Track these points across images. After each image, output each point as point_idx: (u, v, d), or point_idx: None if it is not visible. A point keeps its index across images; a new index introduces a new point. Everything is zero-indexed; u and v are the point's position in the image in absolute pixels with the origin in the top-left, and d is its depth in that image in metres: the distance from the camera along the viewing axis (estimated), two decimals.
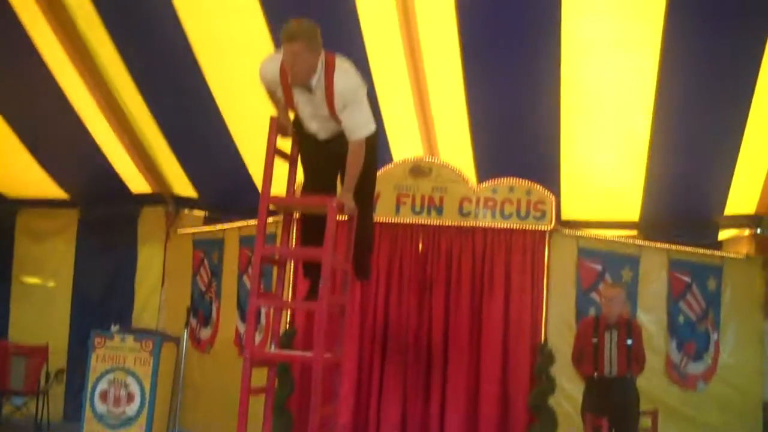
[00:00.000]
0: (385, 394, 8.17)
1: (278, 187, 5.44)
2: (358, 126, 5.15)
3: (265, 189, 5.23)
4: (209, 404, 9.09)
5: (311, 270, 5.57)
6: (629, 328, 7.09)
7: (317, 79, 5.08)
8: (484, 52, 7.57)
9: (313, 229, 5.46)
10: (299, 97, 5.22)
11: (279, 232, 5.71)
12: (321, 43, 5.02)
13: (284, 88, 5.22)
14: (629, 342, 6.99)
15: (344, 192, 5.24)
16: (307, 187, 5.63)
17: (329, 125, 5.31)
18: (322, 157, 5.44)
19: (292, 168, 5.59)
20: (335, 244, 5.13)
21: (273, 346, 5.69)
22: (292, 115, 5.52)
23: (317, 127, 5.36)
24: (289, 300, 8.00)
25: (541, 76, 7.63)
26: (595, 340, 7.02)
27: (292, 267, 8.08)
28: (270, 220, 5.62)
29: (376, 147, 5.49)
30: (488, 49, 7.56)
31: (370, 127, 5.20)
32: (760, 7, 6.69)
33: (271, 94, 5.44)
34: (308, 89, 5.13)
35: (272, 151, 5.27)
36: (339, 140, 5.29)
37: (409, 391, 8.18)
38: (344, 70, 5.13)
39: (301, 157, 5.60)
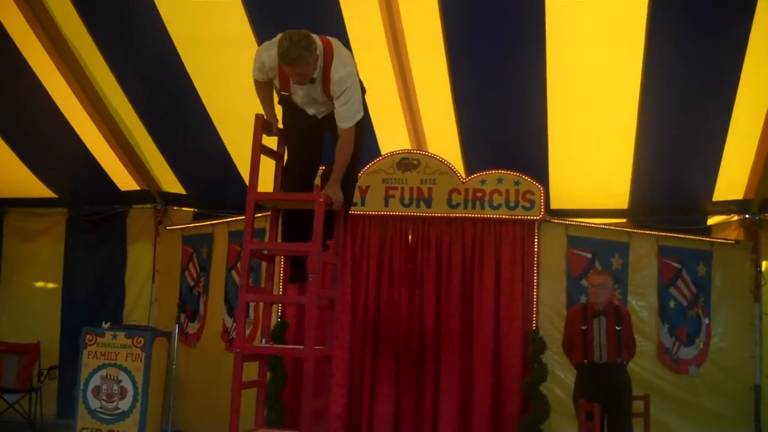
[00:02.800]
0: (377, 384, 8.21)
1: (266, 183, 5.44)
2: (349, 114, 5.18)
3: (252, 185, 5.23)
4: (197, 398, 9.12)
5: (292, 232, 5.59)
6: (618, 314, 7.12)
7: (317, 72, 5.11)
8: (469, 44, 7.58)
9: (295, 219, 5.47)
10: (297, 86, 5.24)
11: (268, 227, 5.69)
12: (317, 45, 5.01)
13: (282, 78, 5.23)
14: (618, 328, 7.01)
15: (332, 182, 5.23)
16: (289, 164, 5.60)
17: (321, 107, 5.36)
18: (308, 129, 5.45)
19: (279, 165, 5.60)
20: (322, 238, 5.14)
21: (263, 340, 5.68)
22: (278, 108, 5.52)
23: (313, 109, 5.40)
24: (279, 294, 8.02)
25: (527, 67, 7.63)
26: (584, 327, 7.04)
27: (281, 262, 8.11)
28: (258, 215, 5.61)
29: (363, 129, 5.50)
30: (474, 41, 7.57)
31: (359, 116, 5.25)
32: None
33: (260, 86, 5.42)
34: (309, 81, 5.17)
35: (258, 149, 5.28)
36: (327, 118, 5.35)
37: (402, 382, 8.21)
38: (341, 59, 5.15)
39: (285, 129, 5.58)
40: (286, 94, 5.34)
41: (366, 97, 5.49)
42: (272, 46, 5.11)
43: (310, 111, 5.41)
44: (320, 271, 5.11)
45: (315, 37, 5.02)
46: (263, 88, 5.46)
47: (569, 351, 7.28)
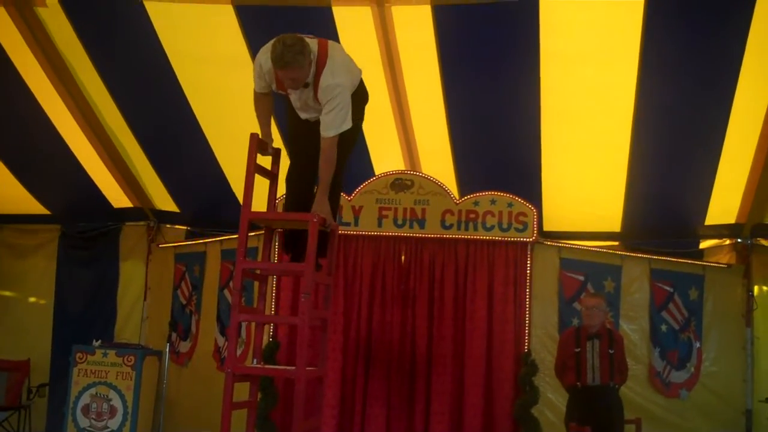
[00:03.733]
0: (369, 405, 8.18)
1: (260, 203, 5.44)
2: (333, 124, 5.12)
3: (246, 205, 5.23)
4: (188, 418, 9.06)
5: (292, 243, 5.56)
6: (611, 337, 7.12)
7: (310, 77, 5.10)
8: (463, 65, 7.60)
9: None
10: (292, 91, 5.24)
11: (261, 246, 5.69)
12: (310, 49, 5.01)
13: (278, 81, 5.22)
14: (611, 351, 7.01)
15: (320, 195, 5.22)
16: (291, 169, 5.59)
17: (314, 112, 5.34)
18: (306, 133, 5.41)
19: (273, 184, 5.60)
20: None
21: (255, 361, 5.67)
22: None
23: (306, 114, 5.39)
24: (272, 314, 8.01)
25: (520, 89, 7.66)
26: (577, 349, 7.04)
27: (274, 281, 8.10)
28: (252, 234, 5.61)
29: (354, 139, 5.47)
30: (468, 62, 7.60)
31: (344, 127, 5.16)
32: (737, 20, 6.74)
33: (259, 100, 5.43)
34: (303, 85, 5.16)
35: (252, 168, 5.27)
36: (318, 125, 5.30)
37: (393, 403, 8.18)
38: (332, 68, 5.11)
39: (288, 132, 5.57)
40: (283, 93, 5.33)
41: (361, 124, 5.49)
42: (268, 49, 5.10)
43: (303, 115, 5.40)
44: (312, 291, 5.11)
45: (309, 41, 5.02)
46: (262, 103, 5.46)
47: (561, 374, 7.27)
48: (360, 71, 5.40)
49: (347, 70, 5.21)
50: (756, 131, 7.64)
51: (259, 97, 5.44)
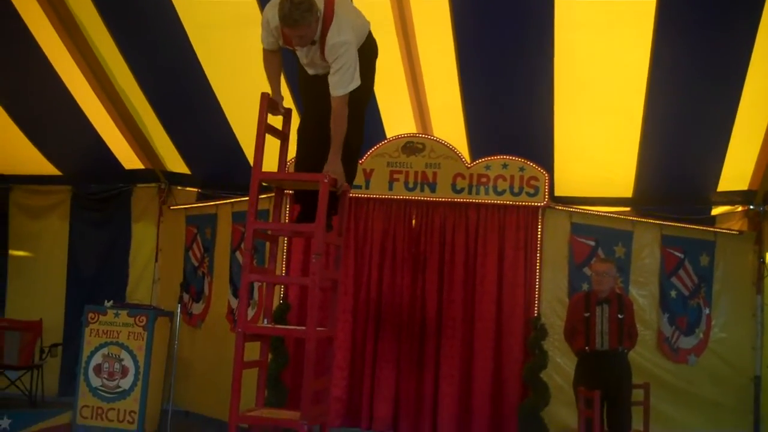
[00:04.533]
0: (378, 368, 8.24)
1: (271, 164, 5.43)
2: (341, 82, 5.08)
3: (257, 165, 5.21)
4: (200, 379, 9.16)
5: (302, 198, 5.56)
6: (620, 302, 7.12)
7: (317, 34, 5.05)
8: (477, 30, 7.57)
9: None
10: (299, 48, 5.21)
11: (271, 207, 5.68)
12: (317, 7, 4.93)
13: (285, 37, 5.17)
14: (621, 316, 7.02)
15: (332, 155, 5.19)
16: (302, 128, 5.57)
17: (321, 69, 5.28)
18: (317, 88, 5.34)
19: (284, 145, 5.57)
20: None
21: (265, 321, 5.69)
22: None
23: (313, 70, 5.34)
24: (282, 275, 8.04)
25: (534, 54, 7.63)
26: (587, 314, 7.05)
27: (285, 242, 8.12)
28: (262, 196, 5.61)
29: (366, 98, 5.43)
30: (482, 27, 7.56)
31: (352, 85, 5.11)
32: None
33: (268, 57, 5.38)
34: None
35: (263, 128, 5.23)
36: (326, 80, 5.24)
37: (403, 365, 8.23)
38: (339, 25, 5.04)
39: (300, 87, 5.54)
40: (291, 48, 5.30)
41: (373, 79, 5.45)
42: (276, 4, 5.03)
43: (311, 71, 5.36)
44: (323, 252, 5.11)
45: (317, 6, 4.94)
46: (271, 61, 5.41)
47: (571, 338, 7.29)
48: (368, 24, 5.31)
49: (353, 26, 5.14)
50: None
51: (268, 55, 5.40)
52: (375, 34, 5.40)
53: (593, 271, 7.34)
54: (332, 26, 5.02)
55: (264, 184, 5.33)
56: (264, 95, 5.27)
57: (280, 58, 5.43)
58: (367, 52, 5.31)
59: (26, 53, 8.37)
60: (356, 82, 5.12)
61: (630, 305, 7.30)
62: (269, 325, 5.66)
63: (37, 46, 8.29)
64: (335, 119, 5.13)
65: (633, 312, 7.28)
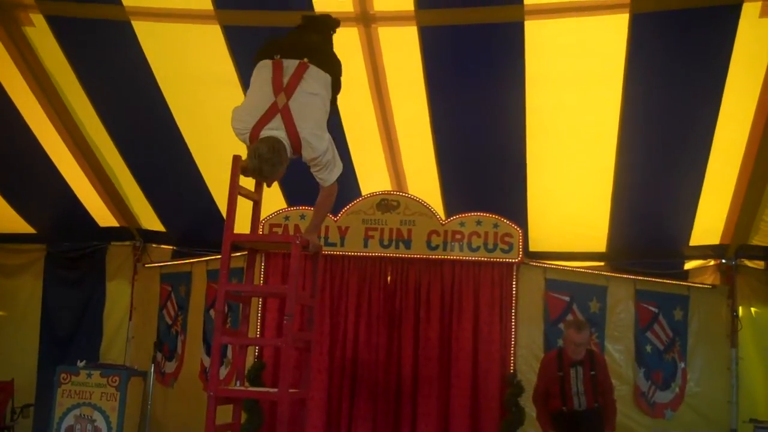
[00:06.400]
0: (355, 427, 8.15)
1: (244, 224, 5.44)
2: (329, 177, 5.14)
3: (229, 227, 5.22)
4: None
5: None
6: (592, 359, 7.08)
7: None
8: (449, 87, 7.63)
9: None
10: None
11: (245, 267, 5.67)
12: (285, 148, 4.95)
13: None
14: (592, 373, 6.99)
15: (310, 230, 5.24)
16: None
17: None
18: None
19: (256, 206, 5.59)
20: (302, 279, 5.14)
21: (237, 383, 5.65)
22: None
23: None
24: (256, 336, 7.99)
25: (506, 110, 7.69)
26: (560, 373, 7.01)
27: (259, 301, 8.08)
28: (236, 254, 5.60)
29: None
30: (454, 83, 7.63)
31: (337, 172, 5.17)
32: (721, 41, 6.80)
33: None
34: None
35: (235, 191, 5.25)
36: None
37: (379, 424, 8.15)
38: (308, 144, 5.00)
39: None
40: None
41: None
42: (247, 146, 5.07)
43: None
44: (297, 313, 5.10)
45: (281, 135, 4.93)
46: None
47: (542, 401, 7.17)
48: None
49: (319, 117, 5.12)
50: (740, 152, 7.69)
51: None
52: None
53: (571, 341, 7.03)
54: (303, 149, 5.03)
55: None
56: (236, 158, 5.30)
57: None
58: (335, 82, 5.35)
59: (0, 111, 8.36)
60: (339, 169, 5.17)
61: (602, 361, 7.28)
62: (241, 388, 5.61)
63: (11, 104, 8.27)
64: (323, 200, 5.19)
65: (606, 366, 7.26)
